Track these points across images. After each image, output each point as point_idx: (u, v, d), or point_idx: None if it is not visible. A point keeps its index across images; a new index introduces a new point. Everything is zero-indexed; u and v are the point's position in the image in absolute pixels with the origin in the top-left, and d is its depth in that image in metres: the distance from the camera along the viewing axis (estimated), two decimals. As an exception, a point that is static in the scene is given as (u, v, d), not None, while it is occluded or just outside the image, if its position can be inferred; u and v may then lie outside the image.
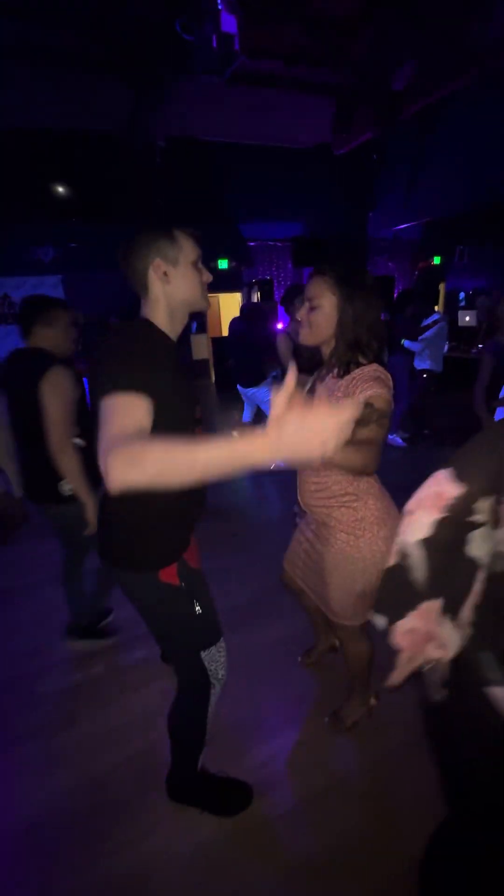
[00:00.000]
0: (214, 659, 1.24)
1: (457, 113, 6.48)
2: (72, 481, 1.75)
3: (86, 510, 1.77)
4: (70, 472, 1.73)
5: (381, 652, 1.89)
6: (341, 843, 1.36)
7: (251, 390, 4.22)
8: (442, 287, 9.42)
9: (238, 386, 4.35)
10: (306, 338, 1.27)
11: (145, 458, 0.69)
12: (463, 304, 8.96)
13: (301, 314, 1.26)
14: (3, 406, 3.44)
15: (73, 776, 1.60)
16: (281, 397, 0.64)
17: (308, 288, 1.24)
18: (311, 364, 1.47)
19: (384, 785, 1.51)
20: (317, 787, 1.52)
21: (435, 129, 6.93)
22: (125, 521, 1.10)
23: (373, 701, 1.68)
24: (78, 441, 1.77)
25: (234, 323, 4.47)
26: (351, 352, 1.23)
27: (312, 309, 1.23)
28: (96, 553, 1.25)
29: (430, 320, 4.49)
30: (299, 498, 1.46)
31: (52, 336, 1.82)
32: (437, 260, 9.18)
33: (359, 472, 1.21)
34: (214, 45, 3.47)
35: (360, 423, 1.14)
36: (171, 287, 1.04)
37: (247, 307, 4.45)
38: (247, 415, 4.72)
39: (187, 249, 1.05)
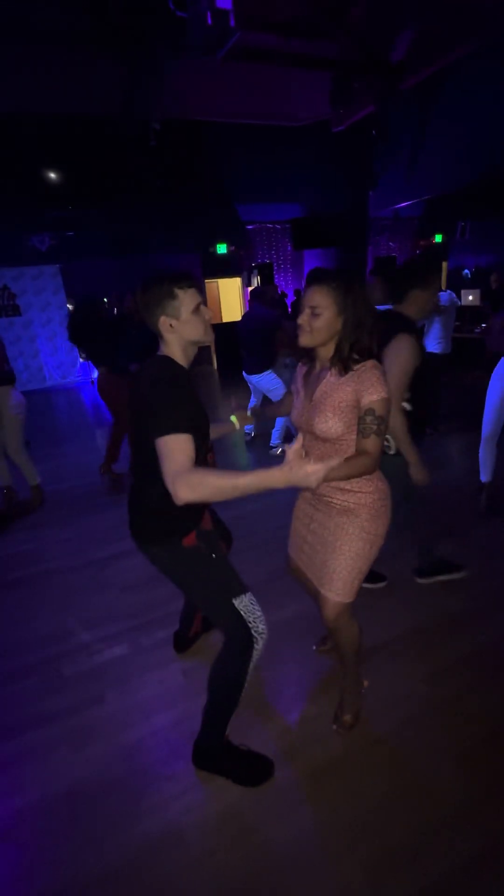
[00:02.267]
0: (249, 610, 1.36)
1: (457, 85, 6.32)
2: None
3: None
4: None
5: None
6: (360, 806, 1.44)
7: (255, 378, 4.22)
8: (444, 265, 9.31)
9: (244, 373, 4.35)
10: (306, 341, 1.34)
11: (202, 485, 1.04)
12: (468, 275, 8.86)
13: (302, 320, 1.31)
14: (15, 400, 3.47)
15: (103, 750, 1.68)
16: (294, 449, 1.01)
17: (309, 296, 1.29)
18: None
19: (400, 753, 1.59)
20: (335, 755, 1.60)
21: (435, 103, 6.77)
22: (158, 501, 1.25)
23: (365, 683, 1.75)
24: None
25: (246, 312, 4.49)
26: (351, 352, 1.30)
27: (315, 316, 1.29)
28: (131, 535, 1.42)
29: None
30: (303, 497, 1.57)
31: None
32: (438, 238, 9.06)
33: (363, 475, 1.33)
34: (209, 21, 3.39)
35: (361, 433, 1.30)
36: (179, 333, 1.26)
37: (252, 293, 4.41)
38: (252, 403, 4.73)
39: (187, 302, 1.24)
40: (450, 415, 5.07)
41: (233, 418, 1.75)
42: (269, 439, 4.53)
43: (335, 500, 1.45)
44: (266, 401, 4.53)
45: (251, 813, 1.44)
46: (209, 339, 1.30)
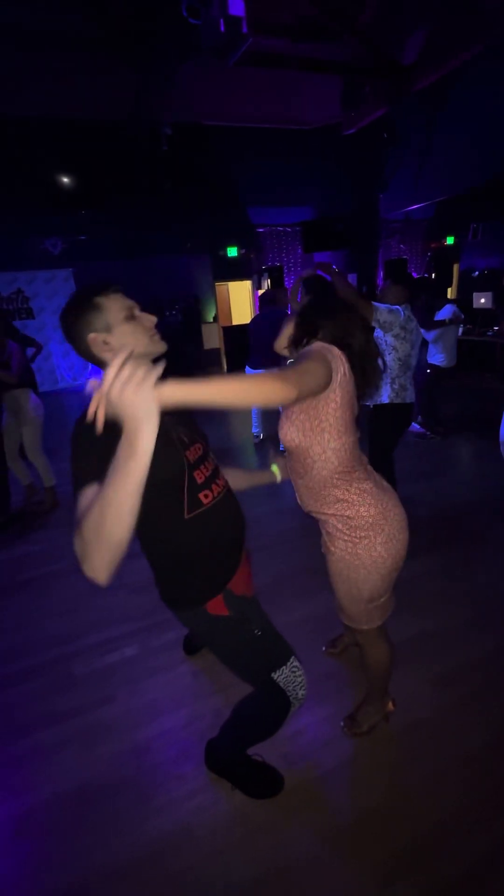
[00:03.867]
0: (290, 680, 1.24)
1: (467, 87, 6.29)
2: None
3: None
4: None
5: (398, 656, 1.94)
6: (368, 807, 1.44)
7: (258, 372, 4.30)
8: (455, 268, 9.25)
9: (246, 368, 4.41)
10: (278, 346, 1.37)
11: (81, 539, 0.81)
12: (477, 275, 8.79)
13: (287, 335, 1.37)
14: (34, 402, 3.53)
15: (113, 749, 1.70)
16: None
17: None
18: None
19: (408, 756, 1.59)
20: (343, 757, 1.60)
21: (445, 105, 6.74)
22: (161, 565, 1.15)
23: (390, 706, 1.69)
24: None
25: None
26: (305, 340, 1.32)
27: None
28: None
29: (442, 313, 4.34)
30: (299, 502, 1.45)
31: None
32: (450, 240, 9.00)
33: (271, 400, 0.94)
34: (222, 28, 3.42)
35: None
36: (117, 350, 0.99)
37: (262, 297, 4.50)
38: (255, 408, 4.77)
39: (115, 309, 1.01)
40: (458, 419, 5.04)
41: (274, 468, 1.55)
42: (279, 444, 4.55)
43: (323, 521, 1.39)
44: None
45: (260, 813, 1.44)
46: (159, 348, 1.05)
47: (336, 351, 1.21)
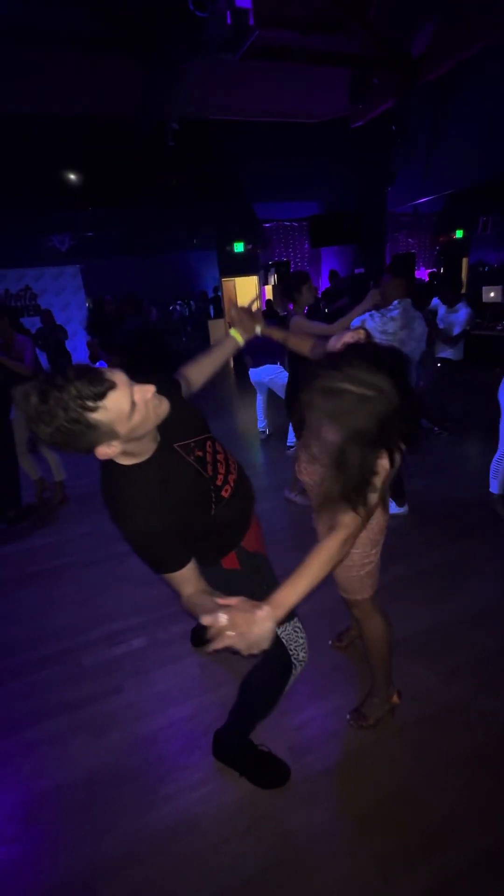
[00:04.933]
0: (292, 638, 1.28)
1: (476, 80, 6.21)
2: None
3: None
4: None
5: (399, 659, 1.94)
6: (373, 800, 1.45)
7: (262, 371, 4.30)
8: (465, 261, 9.15)
9: (250, 370, 4.41)
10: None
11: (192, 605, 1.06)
12: (487, 270, 8.70)
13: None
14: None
15: (122, 738, 1.72)
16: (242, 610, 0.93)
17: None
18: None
19: (414, 750, 1.59)
20: (350, 749, 1.61)
21: (454, 98, 6.67)
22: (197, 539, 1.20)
23: (395, 699, 1.70)
24: None
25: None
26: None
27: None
28: None
29: (460, 317, 4.23)
30: (301, 478, 1.47)
31: None
32: (459, 233, 8.90)
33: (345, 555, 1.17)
34: (228, 21, 3.41)
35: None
36: (128, 445, 0.94)
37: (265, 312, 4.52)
38: (259, 400, 4.76)
39: (114, 415, 0.85)
40: (466, 415, 5.00)
41: (232, 332, 1.47)
42: (286, 439, 4.55)
43: (310, 491, 1.44)
44: (272, 395, 4.56)
45: (266, 803, 1.46)
46: (164, 412, 0.96)
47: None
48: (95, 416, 0.83)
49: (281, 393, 4.23)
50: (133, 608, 2.41)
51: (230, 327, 1.49)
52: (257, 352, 4.26)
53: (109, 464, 0.99)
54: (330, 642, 2.07)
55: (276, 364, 4.28)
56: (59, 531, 3.35)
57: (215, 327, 8.54)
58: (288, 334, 1.65)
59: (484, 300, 6.49)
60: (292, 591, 0.99)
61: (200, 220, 8.32)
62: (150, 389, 0.91)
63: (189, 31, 4.13)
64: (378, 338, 2.68)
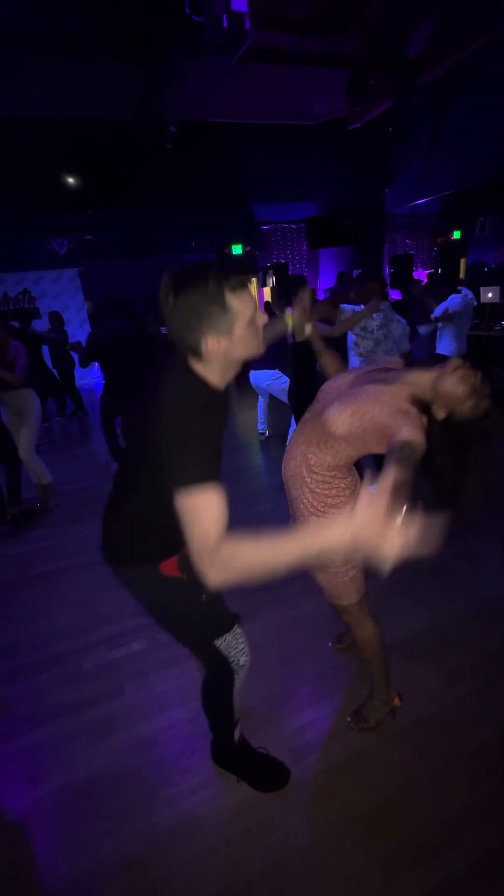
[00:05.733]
0: (231, 646, 1.26)
1: (473, 81, 6.23)
2: None
3: None
4: None
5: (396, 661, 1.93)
6: (374, 802, 1.45)
7: (262, 374, 4.30)
8: (463, 262, 9.16)
9: (251, 372, 4.41)
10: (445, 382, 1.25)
11: (234, 563, 0.83)
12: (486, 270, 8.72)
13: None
14: (37, 402, 3.57)
15: (122, 741, 1.72)
16: (369, 499, 0.74)
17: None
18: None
19: (415, 751, 1.59)
20: (351, 750, 1.60)
21: (451, 99, 6.68)
22: (127, 519, 1.14)
23: (396, 702, 1.69)
24: None
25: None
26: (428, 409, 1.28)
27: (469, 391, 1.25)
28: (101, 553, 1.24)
29: (440, 309, 4.19)
30: (286, 463, 1.48)
31: None
32: (456, 234, 8.92)
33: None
34: (225, 24, 3.41)
35: (392, 458, 1.10)
36: (228, 353, 0.98)
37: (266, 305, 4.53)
38: (261, 403, 4.76)
39: (243, 311, 0.94)
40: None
41: (287, 316, 1.57)
42: (285, 440, 4.55)
43: (297, 495, 1.45)
44: (273, 401, 4.57)
45: (266, 806, 1.46)
46: (261, 350, 1.03)
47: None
48: (231, 300, 0.91)
49: (280, 397, 4.23)
50: (133, 610, 2.38)
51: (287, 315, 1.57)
52: (261, 356, 4.28)
53: (191, 376, 1.00)
54: (330, 644, 2.07)
55: (275, 370, 4.28)
56: (61, 533, 3.35)
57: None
58: (325, 351, 1.74)
59: (482, 300, 6.50)
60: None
61: (199, 222, 8.33)
62: (265, 318, 1.01)
63: (186, 35, 4.14)
64: (357, 333, 2.85)
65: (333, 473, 1.38)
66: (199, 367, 1.00)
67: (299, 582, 2.45)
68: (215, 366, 1.00)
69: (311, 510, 1.41)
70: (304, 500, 1.42)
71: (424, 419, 1.23)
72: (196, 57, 4.49)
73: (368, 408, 1.26)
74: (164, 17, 4.27)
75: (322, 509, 1.40)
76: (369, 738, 1.63)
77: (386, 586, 2.37)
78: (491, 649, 1.98)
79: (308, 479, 1.40)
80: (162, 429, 0.94)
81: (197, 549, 0.86)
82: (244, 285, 0.94)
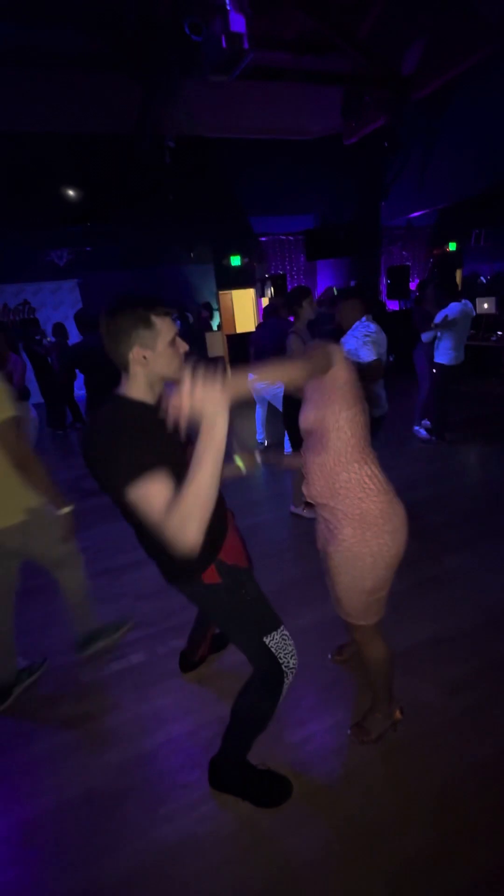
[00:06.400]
0: (281, 646, 1.32)
1: (467, 94, 6.37)
2: None
3: None
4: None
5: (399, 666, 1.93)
6: (376, 816, 1.43)
7: (262, 384, 4.30)
8: (459, 273, 9.27)
9: (250, 377, 4.41)
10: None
11: (188, 513, 0.93)
12: (484, 280, 8.81)
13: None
14: (33, 415, 3.58)
15: (120, 756, 1.70)
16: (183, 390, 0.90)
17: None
18: None
19: (417, 765, 1.57)
20: (352, 764, 1.59)
21: (446, 112, 6.81)
22: (153, 545, 1.19)
23: (398, 715, 1.68)
24: None
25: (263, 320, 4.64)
26: None
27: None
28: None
29: (440, 315, 4.26)
30: (304, 490, 1.48)
31: None
32: (452, 246, 9.03)
33: (291, 374, 1.26)
34: (224, 44, 3.49)
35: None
36: (150, 367, 1.12)
37: (268, 307, 4.54)
38: (259, 412, 4.77)
39: (164, 332, 1.10)
40: (463, 424, 5.03)
41: (237, 459, 1.61)
42: (283, 450, 4.56)
43: (323, 515, 1.47)
44: (272, 409, 4.57)
45: (267, 822, 1.44)
46: (181, 374, 1.08)
47: (334, 346, 1.33)
48: (156, 320, 1.09)
49: (275, 402, 4.24)
50: (132, 622, 2.39)
51: (235, 456, 1.63)
52: (258, 361, 4.29)
53: (116, 401, 1.14)
54: (330, 656, 2.05)
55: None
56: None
57: (212, 340, 8.60)
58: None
59: (478, 311, 6.58)
60: (243, 377, 1.09)
61: (197, 234, 8.42)
62: (185, 346, 1.17)
63: (185, 53, 4.23)
64: (374, 350, 2.76)
65: (351, 467, 1.37)
66: (130, 386, 1.14)
67: (299, 593, 2.46)
68: (140, 379, 1.13)
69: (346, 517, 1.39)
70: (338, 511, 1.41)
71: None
72: (194, 75, 4.58)
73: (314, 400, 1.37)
74: (164, 37, 4.36)
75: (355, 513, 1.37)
76: (370, 753, 1.62)
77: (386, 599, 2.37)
78: (492, 662, 1.97)
79: (338, 497, 1.38)
80: (104, 452, 1.05)
81: (158, 527, 0.96)
82: (167, 313, 1.12)
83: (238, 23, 3.29)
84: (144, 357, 1.10)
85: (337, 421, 1.33)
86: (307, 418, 1.40)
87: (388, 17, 4.45)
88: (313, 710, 1.82)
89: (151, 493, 0.97)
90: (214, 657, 2.09)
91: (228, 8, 3.26)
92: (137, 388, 1.14)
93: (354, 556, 1.37)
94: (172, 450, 1.11)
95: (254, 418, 4.95)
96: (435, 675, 1.91)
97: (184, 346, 1.17)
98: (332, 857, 1.34)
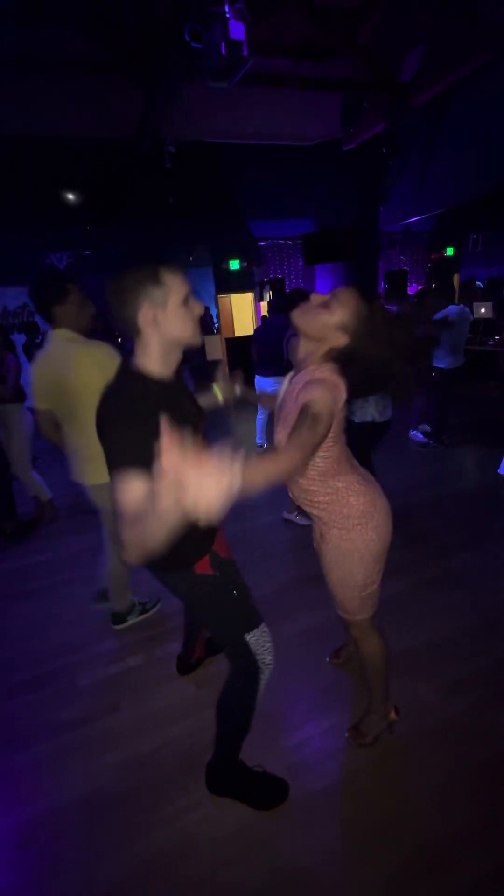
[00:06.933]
0: (260, 643, 1.32)
1: (466, 99, 6.41)
2: None
3: None
4: None
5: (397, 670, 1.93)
6: (373, 820, 1.43)
7: (268, 380, 4.31)
8: (456, 278, 9.32)
9: (256, 377, 4.42)
10: (297, 318, 1.23)
11: (130, 538, 0.84)
12: (481, 285, 8.86)
13: (314, 299, 1.23)
14: (30, 419, 3.58)
15: (119, 758, 1.70)
16: (171, 454, 0.68)
17: (340, 292, 1.21)
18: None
19: (414, 768, 1.58)
20: (349, 767, 1.59)
21: (444, 118, 6.87)
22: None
23: (393, 715, 1.69)
24: None
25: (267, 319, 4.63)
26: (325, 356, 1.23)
27: (325, 306, 1.19)
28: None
29: (440, 315, 4.34)
30: (292, 495, 1.46)
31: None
32: (449, 251, 9.08)
33: (284, 476, 1.14)
34: (223, 51, 3.52)
35: (294, 427, 1.14)
36: (162, 329, 1.03)
37: (278, 301, 4.53)
38: (260, 413, 4.79)
39: (175, 288, 1.02)
40: (460, 428, 5.05)
41: (215, 388, 1.55)
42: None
43: (312, 512, 1.42)
44: (272, 414, 4.58)
45: (265, 824, 1.44)
46: (197, 339, 1.08)
47: (340, 385, 1.19)
48: (166, 276, 1.01)
49: None
50: (129, 626, 2.39)
51: (213, 384, 1.59)
52: (267, 361, 4.29)
53: (127, 373, 1.07)
54: (328, 659, 2.06)
55: (281, 376, 4.31)
56: (56, 548, 3.33)
57: (211, 343, 8.62)
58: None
59: (476, 316, 6.61)
60: (256, 473, 1.00)
61: (196, 238, 8.45)
62: (201, 308, 1.08)
63: (186, 59, 4.26)
64: None
65: (329, 483, 1.34)
66: (139, 360, 1.07)
67: (295, 597, 2.46)
68: (153, 346, 1.05)
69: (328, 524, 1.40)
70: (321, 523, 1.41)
71: (334, 375, 1.20)
72: (195, 81, 4.61)
73: (288, 408, 1.26)
74: (164, 43, 4.40)
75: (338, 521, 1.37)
76: (368, 754, 1.62)
77: (383, 602, 2.38)
78: (489, 664, 1.97)
79: (319, 505, 1.38)
80: (101, 435, 1.00)
81: (121, 520, 0.88)
82: (178, 270, 1.03)
83: (237, 31, 3.32)
84: (155, 318, 1.01)
85: (314, 458, 1.27)
86: (281, 440, 1.31)
87: (387, 23, 4.50)
88: (310, 712, 1.82)
89: (124, 486, 0.90)
90: (212, 659, 2.09)
91: (228, 16, 3.29)
92: (150, 357, 1.06)
93: (343, 554, 1.39)
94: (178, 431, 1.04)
95: (254, 421, 4.97)
96: (431, 677, 1.92)
97: (199, 308, 1.07)
98: (331, 859, 1.34)
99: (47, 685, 2.08)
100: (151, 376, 1.07)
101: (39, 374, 1.94)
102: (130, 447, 0.93)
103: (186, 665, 2.06)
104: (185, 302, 1.04)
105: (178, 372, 1.16)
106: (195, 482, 0.67)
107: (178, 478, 0.68)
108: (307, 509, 1.44)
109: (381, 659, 1.57)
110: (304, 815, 1.46)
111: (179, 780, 1.59)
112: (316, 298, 1.24)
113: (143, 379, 1.06)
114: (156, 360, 1.06)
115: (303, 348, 1.28)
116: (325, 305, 1.20)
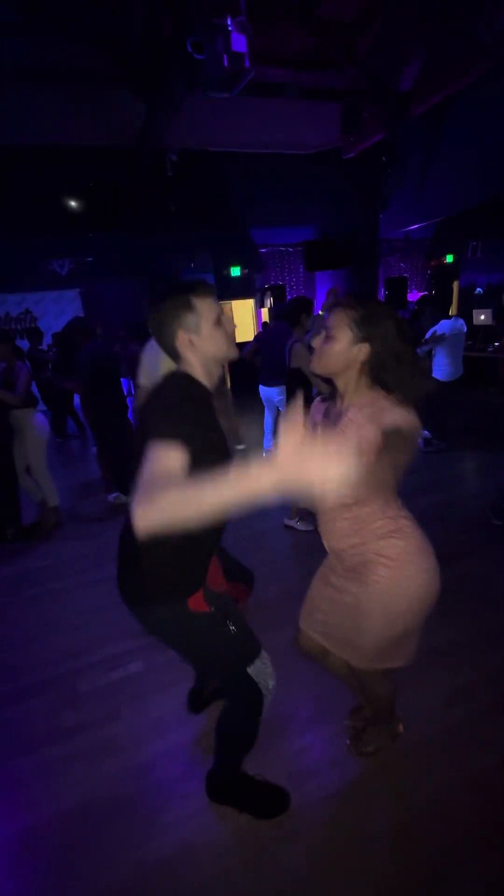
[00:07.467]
0: (261, 672, 1.27)
1: (465, 107, 6.48)
2: None
3: None
4: None
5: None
6: (374, 828, 1.43)
7: (273, 390, 4.32)
8: (456, 285, 9.37)
9: (260, 386, 4.43)
10: (316, 366, 1.19)
11: (162, 499, 0.75)
12: (481, 291, 8.91)
13: (316, 343, 1.21)
14: (38, 422, 3.60)
15: (118, 766, 1.70)
16: (287, 424, 0.66)
17: (329, 319, 1.18)
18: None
19: (415, 776, 1.58)
20: (351, 775, 1.59)
21: (444, 126, 6.93)
22: (148, 555, 1.10)
23: (399, 729, 1.66)
24: None
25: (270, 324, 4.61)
26: (375, 386, 1.16)
27: (328, 339, 1.16)
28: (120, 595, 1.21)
29: (440, 328, 4.33)
30: (325, 543, 1.35)
31: None
32: (449, 258, 9.14)
33: (369, 489, 1.07)
34: (225, 63, 3.57)
35: (384, 448, 1.04)
36: (200, 351, 1.11)
37: (279, 308, 4.54)
38: (268, 419, 4.80)
39: (207, 313, 1.09)
40: (460, 434, 5.06)
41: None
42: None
43: (354, 549, 1.27)
44: (280, 416, 4.59)
45: (266, 832, 1.43)
46: (234, 353, 1.16)
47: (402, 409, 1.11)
48: (196, 302, 1.08)
49: (283, 409, 4.26)
50: (130, 632, 2.37)
51: None
52: (271, 369, 4.30)
53: (178, 374, 1.13)
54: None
55: (284, 385, 4.31)
56: (57, 554, 3.34)
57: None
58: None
59: (475, 323, 6.64)
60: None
61: (198, 245, 8.51)
62: (234, 326, 1.17)
63: (189, 70, 4.32)
64: None
65: (388, 511, 1.24)
66: (185, 370, 1.14)
67: (296, 603, 2.45)
68: (195, 365, 1.13)
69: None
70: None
71: (383, 394, 1.14)
72: (197, 91, 4.67)
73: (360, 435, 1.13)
74: (167, 54, 4.46)
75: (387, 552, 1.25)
76: (369, 763, 1.62)
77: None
78: (491, 671, 1.97)
79: (374, 540, 1.24)
80: (152, 415, 1.02)
81: (139, 487, 0.81)
82: (208, 293, 1.10)
83: (240, 43, 3.37)
84: (191, 342, 1.09)
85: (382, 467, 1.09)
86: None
87: (386, 34, 4.56)
88: (311, 720, 1.82)
89: (161, 455, 0.88)
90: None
91: (230, 28, 3.34)
92: (195, 371, 1.13)
93: (392, 599, 1.23)
94: (215, 441, 1.07)
95: (253, 424, 4.97)
96: (434, 685, 1.91)
97: (231, 325, 1.16)
98: (331, 868, 1.34)
99: (48, 691, 2.08)
100: (198, 380, 1.14)
101: None
102: (180, 425, 0.95)
103: (199, 701, 1.89)
104: (218, 322, 1.12)
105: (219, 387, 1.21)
106: (319, 465, 0.64)
107: (300, 461, 0.64)
108: (350, 551, 1.28)
109: (388, 698, 1.55)
110: (305, 822, 1.45)
111: (180, 787, 1.59)
112: (316, 342, 1.21)
113: (191, 380, 1.13)
114: (199, 374, 1.14)
115: (340, 382, 1.21)
116: (327, 339, 1.17)
